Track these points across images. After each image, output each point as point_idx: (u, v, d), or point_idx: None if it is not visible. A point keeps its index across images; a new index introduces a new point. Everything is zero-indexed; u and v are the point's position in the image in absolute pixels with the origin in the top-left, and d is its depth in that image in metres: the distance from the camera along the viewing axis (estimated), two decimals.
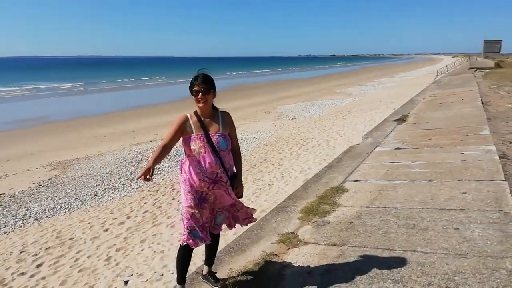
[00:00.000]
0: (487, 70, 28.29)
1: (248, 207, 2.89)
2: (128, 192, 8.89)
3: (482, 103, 10.79)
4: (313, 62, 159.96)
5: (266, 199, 7.30)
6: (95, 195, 8.71)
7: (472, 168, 5.11)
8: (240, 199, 2.84)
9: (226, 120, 2.74)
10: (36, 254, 5.93)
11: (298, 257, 3.15)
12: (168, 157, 11.40)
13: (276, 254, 3.21)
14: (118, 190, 9.00)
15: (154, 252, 5.79)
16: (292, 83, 43.17)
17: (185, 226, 2.68)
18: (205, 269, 2.96)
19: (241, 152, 9.94)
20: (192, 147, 2.60)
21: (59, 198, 8.48)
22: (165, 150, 2.64)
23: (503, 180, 4.53)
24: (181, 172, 2.73)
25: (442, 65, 50.68)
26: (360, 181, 5.05)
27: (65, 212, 7.84)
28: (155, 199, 8.21)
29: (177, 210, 7.27)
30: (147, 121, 18.03)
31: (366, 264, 2.96)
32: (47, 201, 8.28)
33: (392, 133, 8.05)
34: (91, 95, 34.60)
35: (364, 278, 2.77)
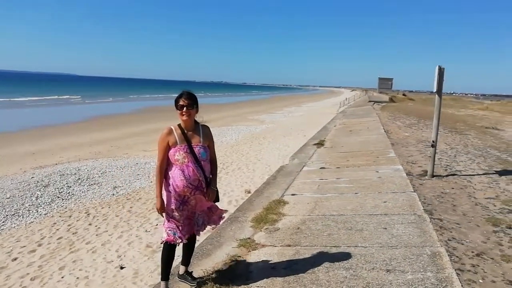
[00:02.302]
0: (383, 104, 32.78)
1: (221, 209, 3.32)
2: (35, 218, 8.33)
3: (385, 131, 12.71)
4: (226, 89, 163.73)
5: None
6: None
7: (387, 183, 6.25)
8: (216, 203, 3.26)
9: (206, 133, 3.17)
10: None
11: (260, 257, 3.66)
12: (80, 181, 10.94)
13: (239, 256, 3.67)
14: (22, 217, 8.37)
15: (78, 278, 5.66)
16: (206, 108, 43.69)
17: (166, 226, 3.05)
18: (182, 269, 3.29)
19: None
20: (176, 157, 2.97)
21: None
22: (163, 170, 3.04)
23: (413, 192, 5.70)
24: (165, 178, 3.06)
25: (343, 98, 56.67)
26: (296, 195, 5.79)
27: None
28: (69, 225, 7.88)
29: (97, 235, 7.21)
30: (50, 142, 16.77)
31: (319, 258, 3.59)
32: None
33: (314, 155, 9.14)
34: None
35: (320, 268, 3.40)
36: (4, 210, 8.63)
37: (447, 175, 6.96)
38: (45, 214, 8.50)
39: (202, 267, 3.47)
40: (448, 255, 3.58)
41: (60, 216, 8.36)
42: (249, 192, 8.52)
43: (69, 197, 9.68)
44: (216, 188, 3.19)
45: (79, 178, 11.12)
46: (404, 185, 6.09)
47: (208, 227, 3.30)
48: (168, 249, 3.05)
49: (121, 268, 5.73)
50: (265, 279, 3.23)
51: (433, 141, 6.90)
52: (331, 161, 8.33)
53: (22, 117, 29.06)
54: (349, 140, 11.49)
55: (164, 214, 3.05)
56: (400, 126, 15.28)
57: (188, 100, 2.99)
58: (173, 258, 3.13)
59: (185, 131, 3.04)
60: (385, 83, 59.12)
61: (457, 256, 3.59)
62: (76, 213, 8.53)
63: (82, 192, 10.05)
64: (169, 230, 3.02)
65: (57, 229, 7.62)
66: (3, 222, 8.05)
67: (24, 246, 6.85)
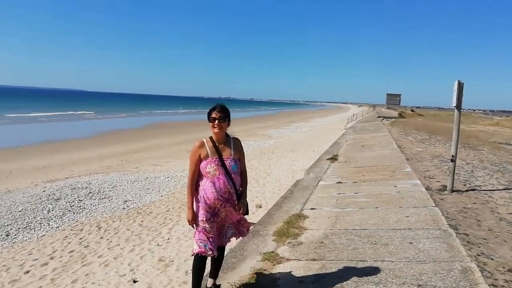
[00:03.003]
0: (393, 119, 32.73)
1: (249, 223, 3.34)
2: (46, 231, 8.36)
3: (398, 146, 12.66)
4: (234, 104, 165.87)
5: None
6: (7, 236, 8.03)
7: (407, 197, 6.20)
8: (246, 216, 3.28)
9: (236, 146, 3.21)
10: None
11: (286, 270, 3.63)
12: (91, 195, 10.98)
13: (265, 270, 3.64)
14: (34, 230, 8.41)
15: None
16: None
17: (197, 238, 3.06)
18: (210, 282, 3.29)
19: (170, 190, 10.13)
20: (207, 169, 3.01)
21: None
22: (195, 182, 3.08)
23: (434, 206, 5.64)
24: (197, 190, 3.10)
25: (350, 114, 56.76)
26: (316, 209, 5.77)
27: None
28: (80, 238, 7.89)
29: (108, 249, 7.19)
30: (60, 157, 16.96)
31: (347, 272, 3.54)
32: None
33: (329, 169, 9.12)
34: None
35: (349, 283, 3.35)
36: (16, 223, 8.67)
37: (466, 190, 6.89)
38: (56, 228, 8.53)
39: (228, 280, 3.45)
40: (480, 270, 3.51)
41: (71, 230, 8.39)
42: (260, 206, 8.48)
43: (80, 210, 9.72)
44: (246, 201, 3.21)
45: (90, 192, 11.18)
46: (424, 199, 6.03)
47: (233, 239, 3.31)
48: (199, 261, 3.07)
49: (134, 282, 5.70)
50: None
51: (452, 156, 6.86)
52: (347, 175, 8.29)
53: (34, 132, 29.47)
54: (362, 155, 11.45)
55: (195, 225, 3.06)
56: (413, 141, 15.22)
57: (220, 113, 3.05)
58: (204, 270, 3.14)
59: (217, 144, 3.08)
60: (393, 99, 59.21)
61: (488, 272, 3.53)
62: (87, 227, 8.55)
63: (93, 206, 10.10)
64: (200, 242, 3.03)
65: (69, 243, 7.63)
66: (15, 235, 8.10)
67: (36, 259, 6.87)
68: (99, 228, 8.40)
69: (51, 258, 6.89)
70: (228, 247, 4.30)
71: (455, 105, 6.71)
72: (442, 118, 43.91)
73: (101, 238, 7.80)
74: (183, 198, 10.54)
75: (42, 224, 8.67)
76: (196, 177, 3.08)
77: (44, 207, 9.72)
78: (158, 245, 7.16)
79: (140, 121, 43.01)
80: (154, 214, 9.30)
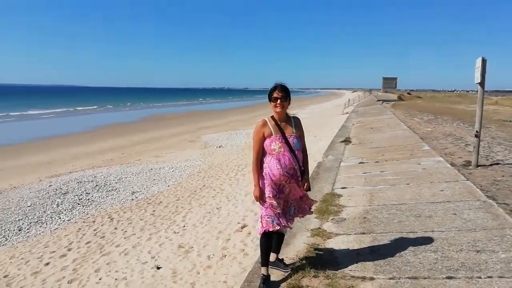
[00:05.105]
0: (392, 102, 32.97)
1: (312, 200, 3.41)
2: (59, 225, 8.40)
3: (407, 127, 12.81)
4: (229, 94, 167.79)
5: (220, 221, 7.62)
6: (20, 230, 8.07)
7: (435, 173, 6.32)
8: (308, 192, 3.35)
9: (297, 124, 3.28)
10: None
11: (338, 244, 3.73)
12: (98, 187, 11.00)
13: (318, 244, 3.74)
14: (46, 224, 8.46)
15: (116, 279, 5.71)
16: (210, 114, 44.54)
17: (264, 213, 3.16)
18: (273, 256, 3.37)
19: (176, 180, 10.18)
20: (272, 146, 3.09)
21: None
22: (259, 159, 3.17)
23: (466, 180, 5.77)
24: (261, 167, 3.18)
25: (345, 99, 56.92)
26: (347, 188, 5.87)
27: None
28: (95, 230, 7.96)
29: (125, 238, 7.28)
30: (61, 152, 17.02)
31: (401, 243, 3.65)
32: None
33: (346, 151, 9.23)
34: None
35: (407, 252, 3.46)
36: (27, 217, 8.69)
37: (491, 164, 7.03)
38: (68, 220, 8.59)
39: (286, 255, 3.56)
40: None
41: (83, 222, 8.45)
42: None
43: (89, 203, 9.76)
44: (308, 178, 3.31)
45: (96, 185, 11.19)
46: (453, 174, 6.16)
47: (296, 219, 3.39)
48: (266, 237, 3.18)
49: (158, 268, 5.79)
50: (355, 264, 3.30)
51: (476, 131, 6.98)
52: (366, 156, 8.41)
53: (35, 129, 29.24)
54: (375, 136, 11.59)
55: (261, 201, 3.13)
56: (420, 122, 15.38)
57: (281, 92, 3.11)
58: (272, 245, 3.25)
59: (279, 122, 3.16)
60: (389, 83, 59.64)
61: None
62: (99, 218, 8.61)
63: (101, 198, 10.14)
64: (268, 218, 3.13)
65: (84, 234, 7.71)
66: (28, 229, 8.14)
67: (54, 252, 6.95)
68: (111, 219, 8.46)
69: (69, 250, 6.98)
70: None
71: (478, 81, 6.80)
72: (441, 100, 44.42)
73: (115, 228, 7.87)
74: (191, 187, 10.60)
75: (53, 218, 8.72)
76: (261, 155, 3.16)
77: (52, 201, 9.73)
78: (174, 232, 7.24)
79: (140, 114, 43.27)
80: (164, 203, 9.36)
